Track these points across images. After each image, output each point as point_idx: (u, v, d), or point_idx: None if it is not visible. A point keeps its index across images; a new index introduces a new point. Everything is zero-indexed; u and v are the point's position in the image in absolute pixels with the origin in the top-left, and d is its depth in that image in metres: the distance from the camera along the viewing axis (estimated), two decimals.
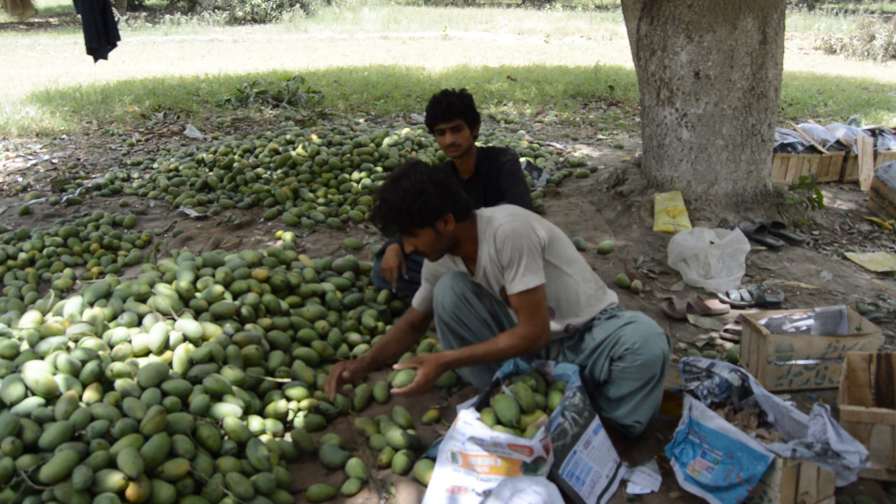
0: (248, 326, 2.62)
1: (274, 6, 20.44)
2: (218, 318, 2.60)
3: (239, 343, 2.49)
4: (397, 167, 2.19)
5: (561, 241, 2.26)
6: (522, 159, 5.25)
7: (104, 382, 2.19)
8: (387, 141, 5.17)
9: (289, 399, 2.44)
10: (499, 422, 2.03)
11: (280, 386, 2.49)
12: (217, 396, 2.24)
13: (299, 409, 2.41)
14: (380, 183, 4.56)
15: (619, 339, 2.12)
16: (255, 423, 2.27)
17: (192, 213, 4.48)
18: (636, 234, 4.08)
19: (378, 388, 2.55)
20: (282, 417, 2.37)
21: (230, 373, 2.33)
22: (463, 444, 1.96)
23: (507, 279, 2.16)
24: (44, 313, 2.60)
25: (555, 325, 2.29)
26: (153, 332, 2.37)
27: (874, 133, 5.43)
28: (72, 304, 2.55)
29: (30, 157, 6.05)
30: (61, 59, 12.58)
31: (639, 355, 2.07)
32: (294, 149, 5.06)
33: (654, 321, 2.20)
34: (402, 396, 2.20)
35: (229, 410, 2.19)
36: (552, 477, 1.93)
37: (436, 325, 2.42)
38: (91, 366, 2.16)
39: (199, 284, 2.73)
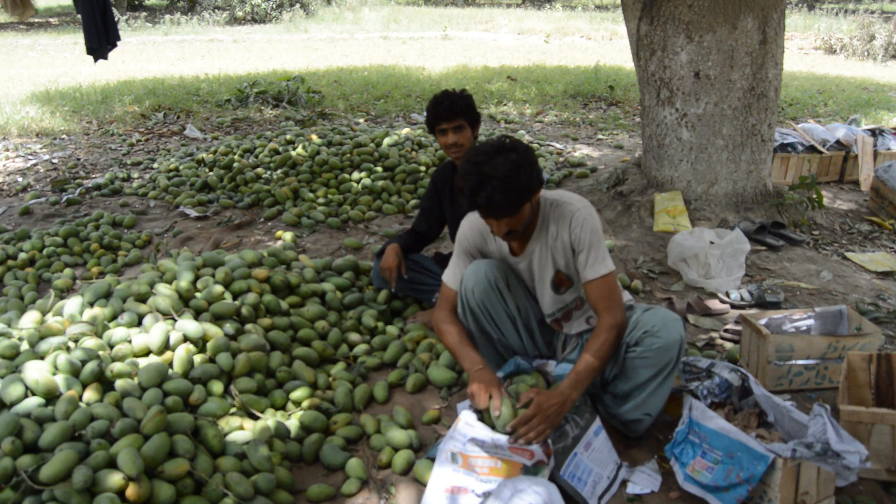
0: (248, 326, 2.62)
1: (274, 6, 20.45)
2: (218, 318, 2.60)
3: (245, 349, 2.48)
4: (481, 145, 2.03)
5: None
6: None
7: (104, 382, 2.19)
8: (387, 141, 5.17)
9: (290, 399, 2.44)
10: None
11: (281, 385, 2.49)
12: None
13: (300, 408, 2.41)
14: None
15: (637, 324, 2.11)
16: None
17: (192, 213, 4.48)
18: (636, 234, 4.08)
19: (378, 388, 2.55)
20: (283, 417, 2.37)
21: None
22: (464, 445, 1.96)
23: (584, 263, 2.13)
24: (44, 313, 2.60)
25: (578, 317, 2.32)
26: (153, 332, 2.37)
27: (874, 133, 5.43)
28: (72, 304, 2.55)
29: (30, 157, 6.05)
30: (61, 59, 12.58)
31: (658, 338, 2.04)
32: (294, 149, 5.06)
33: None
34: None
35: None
36: (553, 479, 1.93)
37: (459, 310, 2.30)
38: (91, 366, 2.16)
39: (199, 284, 2.73)
